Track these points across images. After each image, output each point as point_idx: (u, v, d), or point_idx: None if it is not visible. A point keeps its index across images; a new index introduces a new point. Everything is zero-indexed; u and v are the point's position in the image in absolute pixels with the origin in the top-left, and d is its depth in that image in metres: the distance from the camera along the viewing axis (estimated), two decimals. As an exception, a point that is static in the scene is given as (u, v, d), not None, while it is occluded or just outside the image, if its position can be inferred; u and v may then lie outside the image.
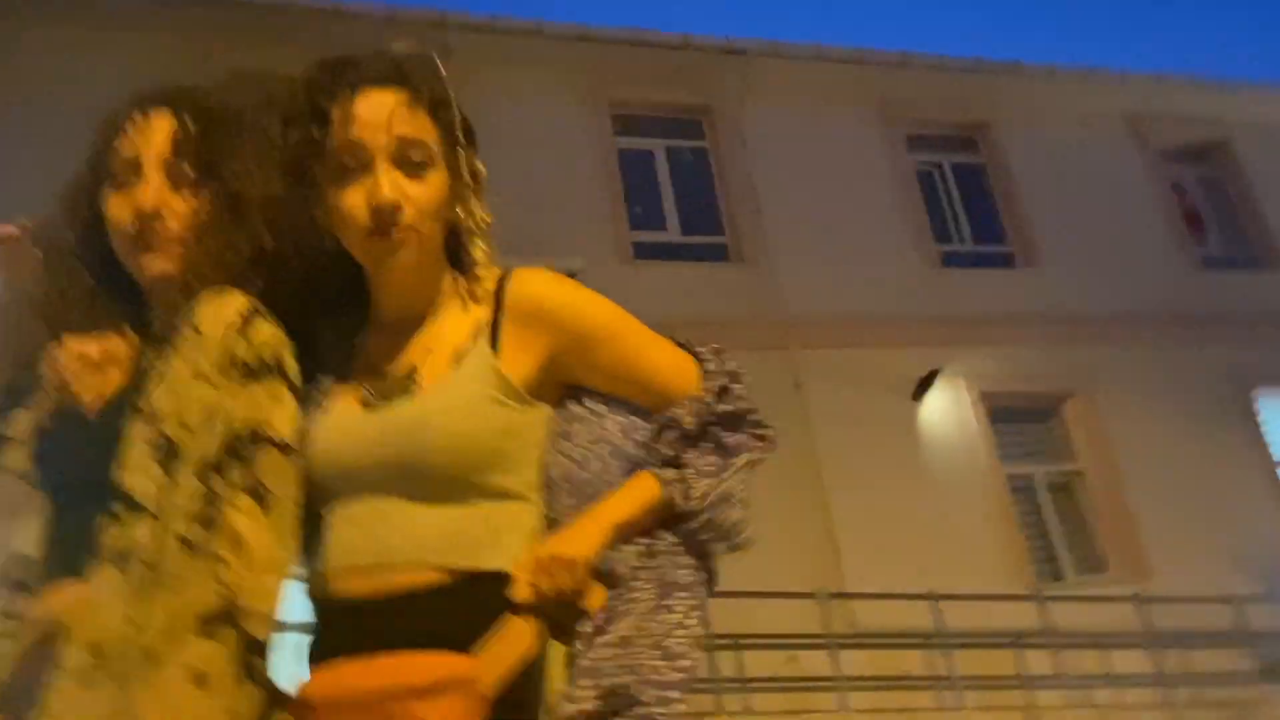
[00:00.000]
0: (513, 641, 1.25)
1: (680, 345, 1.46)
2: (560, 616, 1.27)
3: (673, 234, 10.94)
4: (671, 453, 1.38)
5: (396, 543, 1.28)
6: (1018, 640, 8.83)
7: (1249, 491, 10.53)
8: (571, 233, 9.60)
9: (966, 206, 11.82)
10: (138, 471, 1.20)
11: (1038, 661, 8.82)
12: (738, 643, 8.29)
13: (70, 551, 1.27)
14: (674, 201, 11.10)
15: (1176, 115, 12.20)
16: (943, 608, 8.66)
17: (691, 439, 1.39)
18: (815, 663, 8.51)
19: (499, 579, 1.29)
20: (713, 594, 1.38)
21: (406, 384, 1.34)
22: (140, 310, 1.44)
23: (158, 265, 1.39)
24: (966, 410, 10.54)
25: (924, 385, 10.42)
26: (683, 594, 1.33)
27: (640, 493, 1.35)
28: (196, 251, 1.40)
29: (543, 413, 1.40)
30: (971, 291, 11.03)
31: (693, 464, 1.38)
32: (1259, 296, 11.43)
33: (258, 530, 1.21)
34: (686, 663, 1.28)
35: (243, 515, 1.20)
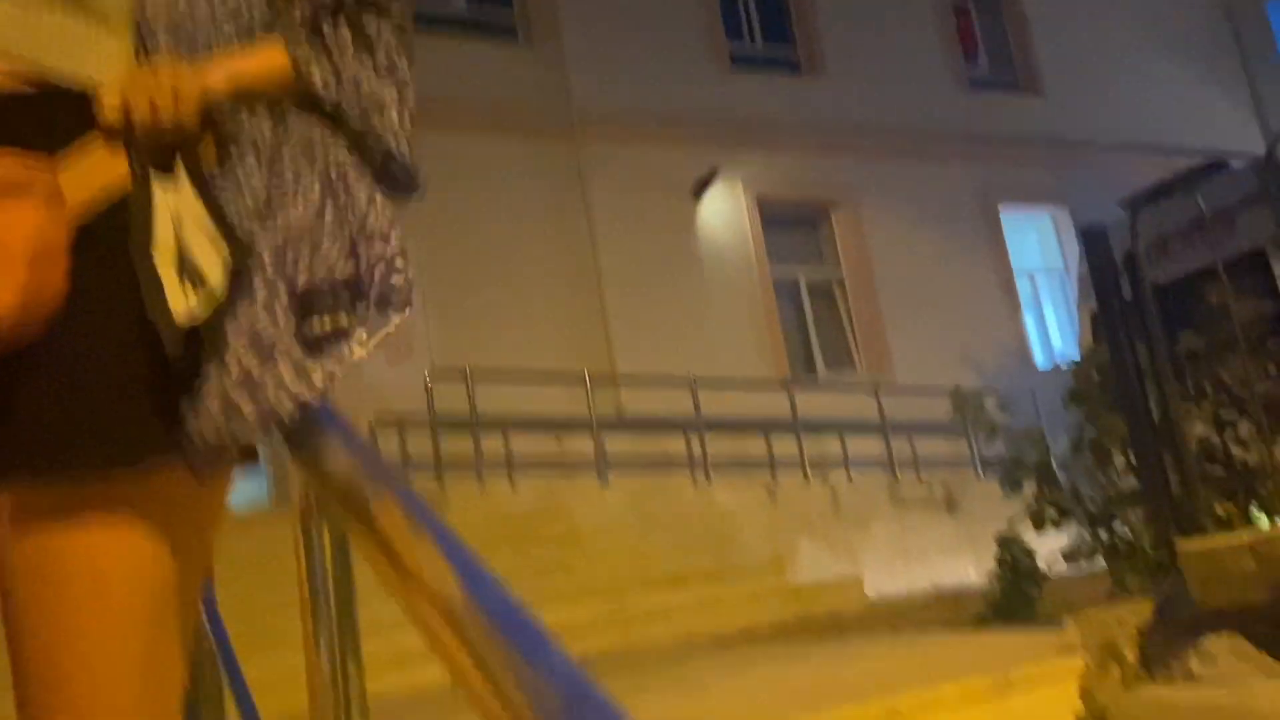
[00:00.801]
0: (98, 163, 1.02)
1: None
2: (156, 152, 1.05)
3: (458, 6, 10.33)
4: (300, 21, 1.15)
5: None
6: (768, 426, 9.48)
7: (987, 299, 11.49)
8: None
9: (759, 6, 11.74)
10: None
11: (784, 446, 9.51)
12: (505, 423, 8.48)
13: None
14: (462, -29, 10.43)
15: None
16: (702, 396, 9.13)
17: (326, 10, 1.17)
18: (580, 444, 8.84)
19: (80, 101, 1.03)
20: (400, 194, 1.15)
21: None
22: None
23: None
24: (741, 212, 10.82)
25: (703, 184, 10.58)
26: (354, 179, 1.12)
27: (265, 55, 1.12)
28: None
29: None
30: (756, 94, 11.13)
31: (329, 41, 1.15)
32: (1014, 119, 12.15)
33: None
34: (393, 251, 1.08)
35: None
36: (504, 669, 0.54)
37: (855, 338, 11.19)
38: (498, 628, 0.58)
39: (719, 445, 9.14)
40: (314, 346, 1.04)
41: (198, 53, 1.11)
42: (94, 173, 1.02)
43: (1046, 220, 12.34)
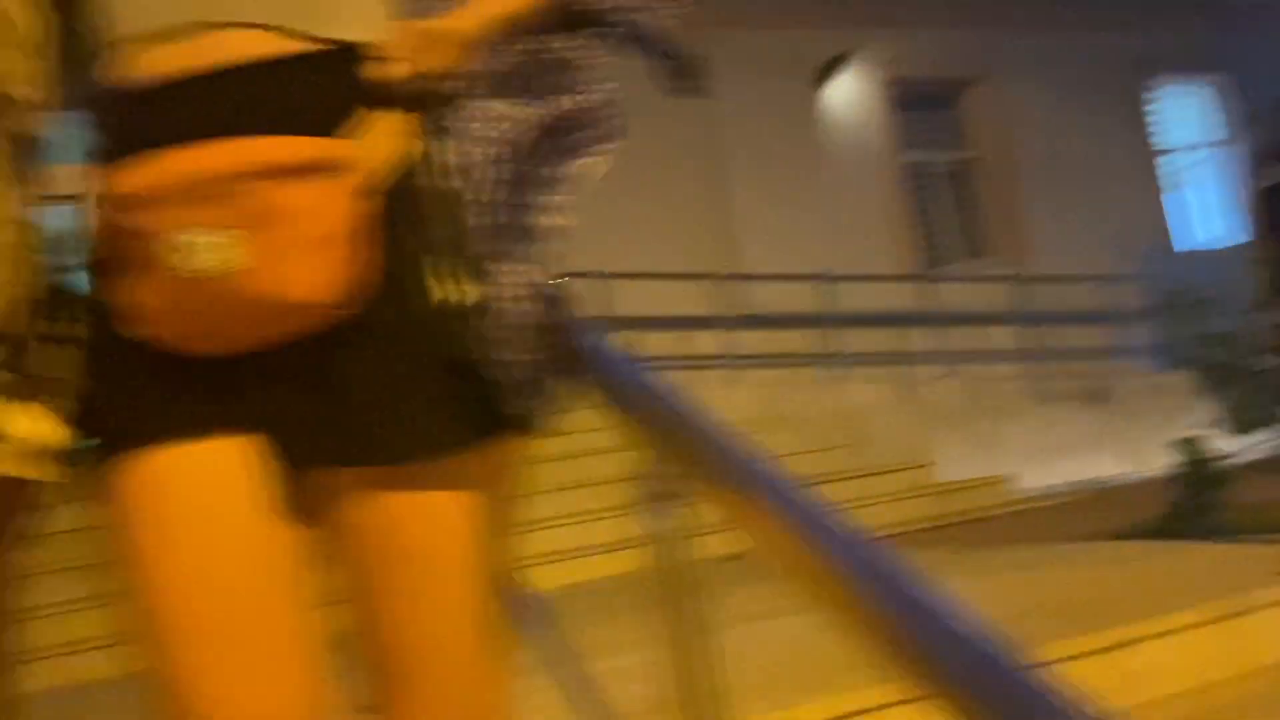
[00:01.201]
0: (388, 129, 1.00)
1: None
2: (432, 104, 1.04)
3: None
4: None
5: None
6: (902, 319, 9.22)
7: (1130, 179, 10.82)
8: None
9: None
10: None
11: (919, 339, 9.26)
12: (634, 323, 8.44)
13: None
14: None
15: None
16: (834, 289, 8.90)
17: None
18: (708, 342, 8.76)
19: (355, 53, 1.02)
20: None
21: None
22: None
23: None
24: (870, 96, 10.35)
25: (830, 69, 10.12)
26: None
27: None
28: None
29: None
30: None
31: None
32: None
33: (22, 7, 0.98)
34: None
35: None
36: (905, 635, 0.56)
37: (990, 222, 10.70)
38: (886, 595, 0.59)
39: (851, 340, 8.95)
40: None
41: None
42: (385, 139, 1.00)
43: (1202, 92, 11.44)
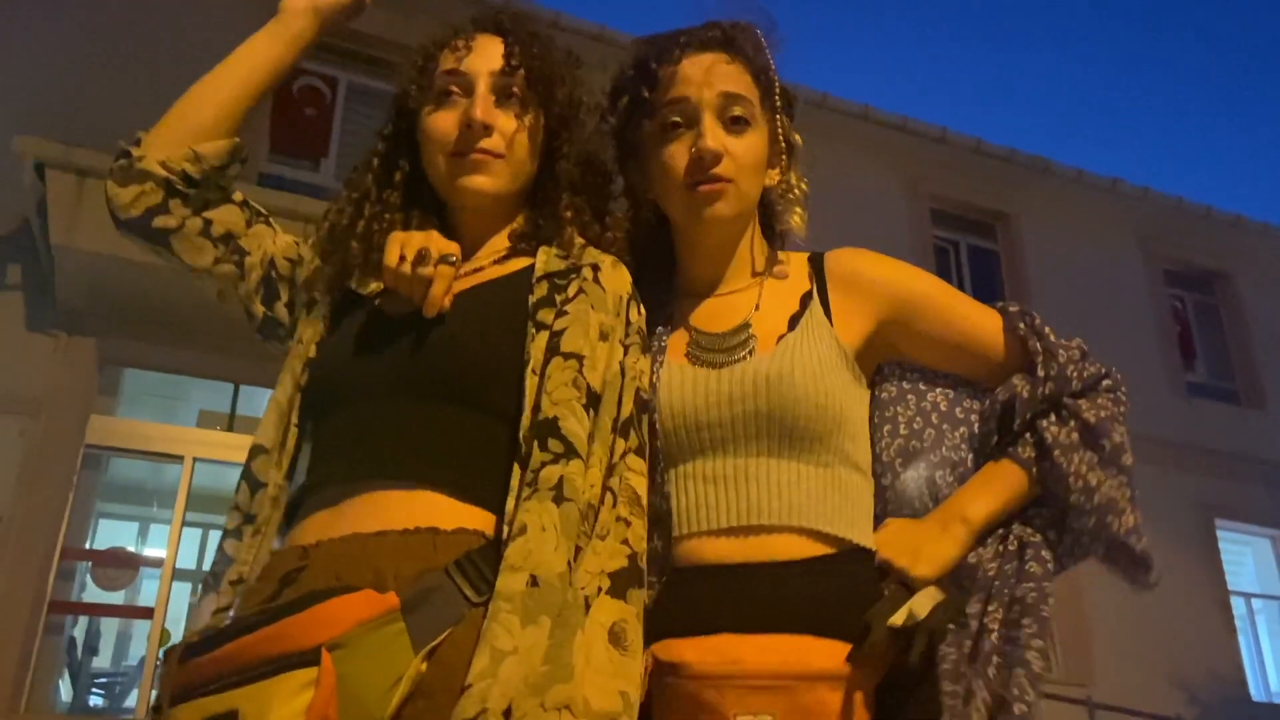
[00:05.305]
0: (887, 629, 1.18)
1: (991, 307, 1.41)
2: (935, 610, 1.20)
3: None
4: (1024, 429, 1.31)
5: (765, 503, 1.22)
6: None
7: (1200, 618, 10.85)
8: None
9: (975, 291, 11.92)
10: (570, 415, 1.16)
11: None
12: None
13: (355, 441, 1.21)
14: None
15: (1186, 239, 12.43)
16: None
17: (1044, 411, 1.32)
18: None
19: (865, 556, 1.24)
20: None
21: (743, 342, 1.30)
22: (440, 223, 1.41)
23: (477, 181, 1.33)
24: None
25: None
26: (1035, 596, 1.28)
27: (1005, 482, 1.29)
28: (520, 173, 1.37)
29: (866, 392, 1.36)
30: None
31: (1056, 441, 1.28)
32: (1234, 431, 11.76)
33: (644, 493, 1.19)
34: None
35: (638, 476, 1.19)
36: None
37: (1058, 644, 10.64)
38: None
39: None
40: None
41: (931, 471, 1.32)
42: (882, 644, 1.17)
43: (1265, 543, 11.72)
